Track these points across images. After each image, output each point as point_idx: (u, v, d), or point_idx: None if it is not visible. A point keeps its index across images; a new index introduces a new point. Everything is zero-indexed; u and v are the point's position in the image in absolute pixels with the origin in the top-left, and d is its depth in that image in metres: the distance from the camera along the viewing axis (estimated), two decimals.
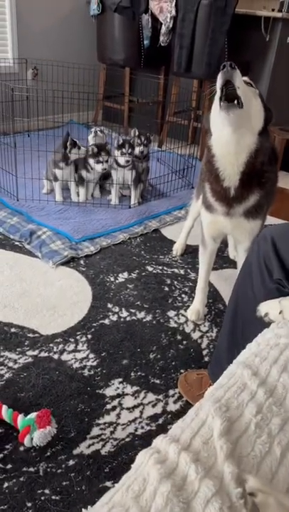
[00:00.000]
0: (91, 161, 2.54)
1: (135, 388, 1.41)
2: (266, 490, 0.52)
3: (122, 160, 2.55)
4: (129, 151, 2.54)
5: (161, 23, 3.45)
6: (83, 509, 0.58)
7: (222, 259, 2.21)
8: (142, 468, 0.56)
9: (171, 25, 3.34)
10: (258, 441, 0.58)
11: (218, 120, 1.28)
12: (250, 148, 1.30)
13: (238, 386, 0.68)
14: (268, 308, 0.97)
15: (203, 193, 1.52)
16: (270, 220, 2.50)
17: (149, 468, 0.54)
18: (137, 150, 2.68)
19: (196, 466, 0.53)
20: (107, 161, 2.54)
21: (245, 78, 1.28)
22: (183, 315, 1.78)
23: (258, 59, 3.45)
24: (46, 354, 1.51)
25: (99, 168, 2.54)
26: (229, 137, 1.28)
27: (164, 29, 3.41)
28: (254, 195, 1.39)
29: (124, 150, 2.53)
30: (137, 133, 2.72)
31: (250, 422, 0.61)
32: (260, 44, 3.40)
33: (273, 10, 3.67)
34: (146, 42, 3.63)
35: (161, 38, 3.46)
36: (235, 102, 1.23)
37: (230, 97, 1.23)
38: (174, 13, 3.26)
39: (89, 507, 1.03)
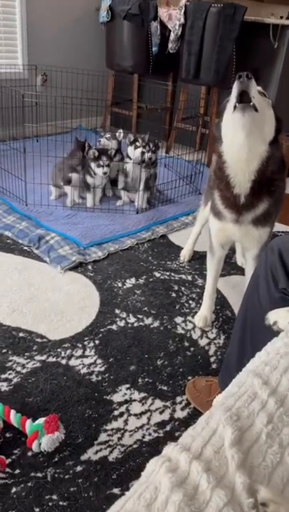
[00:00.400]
0: (92, 165, 2.56)
1: (143, 394, 1.41)
2: (278, 500, 0.52)
3: (136, 152, 2.59)
4: (143, 144, 2.58)
5: (170, 30, 3.47)
6: None
7: (230, 266, 2.21)
8: (153, 476, 0.56)
9: (179, 33, 3.36)
10: (269, 451, 0.58)
11: (232, 124, 1.27)
12: (262, 156, 1.30)
13: (248, 395, 0.68)
14: (276, 316, 0.97)
15: (212, 200, 1.53)
16: (277, 226, 2.50)
17: (160, 477, 0.54)
18: (146, 156, 2.70)
19: (207, 475, 0.53)
20: (108, 165, 2.56)
21: (259, 88, 1.28)
22: (190, 321, 1.78)
23: (266, 66, 3.45)
24: (54, 359, 1.51)
25: (100, 172, 2.55)
26: (242, 141, 1.27)
27: (172, 36, 3.43)
28: (263, 203, 1.39)
29: (137, 144, 2.56)
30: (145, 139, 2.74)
31: (261, 432, 0.61)
32: (268, 51, 3.41)
33: (282, 17, 3.69)
34: (154, 49, 3.66)
35: (170, 45, 3.48)
36: (251, 103, 1.22)
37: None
38: (182, 20, 3.29)
39: None
